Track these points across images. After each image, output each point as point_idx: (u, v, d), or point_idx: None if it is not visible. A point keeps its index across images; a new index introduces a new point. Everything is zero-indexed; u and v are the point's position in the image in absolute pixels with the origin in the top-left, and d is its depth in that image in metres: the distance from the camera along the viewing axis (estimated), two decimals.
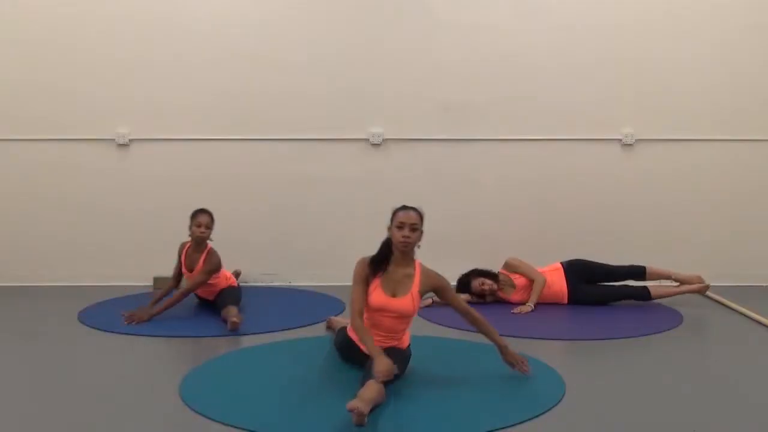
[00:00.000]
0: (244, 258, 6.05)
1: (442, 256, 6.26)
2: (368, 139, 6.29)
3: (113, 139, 6.23)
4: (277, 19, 6.24)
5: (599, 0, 6.24)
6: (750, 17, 6.24)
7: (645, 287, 5.58)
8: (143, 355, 4.37)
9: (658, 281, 5.72)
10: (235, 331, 4.71)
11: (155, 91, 6.20)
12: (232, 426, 3.22)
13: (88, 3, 6.14)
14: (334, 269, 6.26)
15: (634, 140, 6.30)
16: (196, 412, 3.38)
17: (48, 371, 4.04)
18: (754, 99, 6.29)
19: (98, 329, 4.85)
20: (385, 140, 6.30)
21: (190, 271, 5.22)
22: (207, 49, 6.20)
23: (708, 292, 5.75)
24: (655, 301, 5.58)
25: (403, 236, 3.69)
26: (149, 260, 6.21)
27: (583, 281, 5.59)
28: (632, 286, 5.63)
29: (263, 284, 6.05)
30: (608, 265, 5.68)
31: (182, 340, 4.64)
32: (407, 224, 3.69)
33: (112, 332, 4.77)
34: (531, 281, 5.54)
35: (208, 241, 5.20)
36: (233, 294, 5.23)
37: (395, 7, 6.24)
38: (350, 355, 3.96)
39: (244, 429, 3.19)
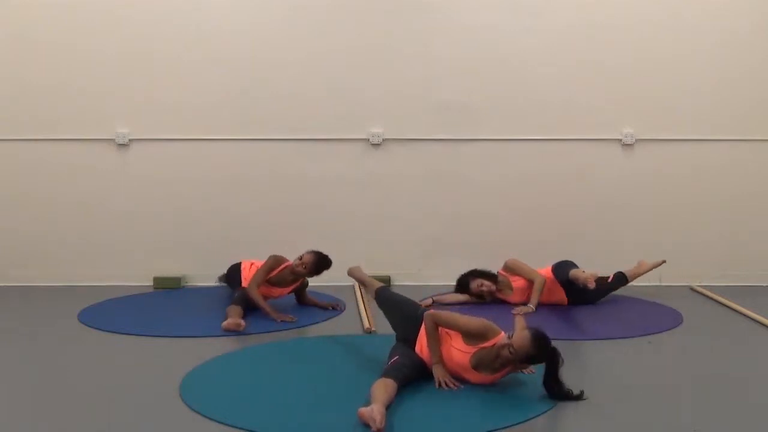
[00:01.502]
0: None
1: (442, 256, 6.32)
2: (368, 139, 6.28)
3: (113, 139, 6.22)
4: (277, 19, 6.23)
5: (599, 0, 6.25)
6: (750, 17, 6.23)
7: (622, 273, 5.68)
8: (143, 355, 4.37)
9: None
10: (229, 332, 4.70)
11: (155, 91, 6.20)
12: (232, 426, 3.22)
13: (89, 3, 6.14)
14: (334, 269, 6.23)
15: (634, 140, 6.29)
16: (196, 412, 3.38)
17: (48, 371, 4.04)
18: (755, 99, 6.27)
19: (98, 329, 4.85)
20: (385, 140, 6.29)
21: (273, 285, 5.33)
22: (207, 49, 6.19)
23: (710, 292, 5.85)
24: (655, 301, 5.58)
25: (501, 353, 3.59)
26: (149, 260, 6.22)
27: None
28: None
29: None
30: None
31: (182, 340, 4.64)
32: (511, 351, 3.56)
33: (112, 332, 4.77)
34: (529, 283, 5.51)
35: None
36: (246, 297, 5.16)
37: (395, 7, 6.23)
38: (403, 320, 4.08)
39: (244, 429, 3.20)
